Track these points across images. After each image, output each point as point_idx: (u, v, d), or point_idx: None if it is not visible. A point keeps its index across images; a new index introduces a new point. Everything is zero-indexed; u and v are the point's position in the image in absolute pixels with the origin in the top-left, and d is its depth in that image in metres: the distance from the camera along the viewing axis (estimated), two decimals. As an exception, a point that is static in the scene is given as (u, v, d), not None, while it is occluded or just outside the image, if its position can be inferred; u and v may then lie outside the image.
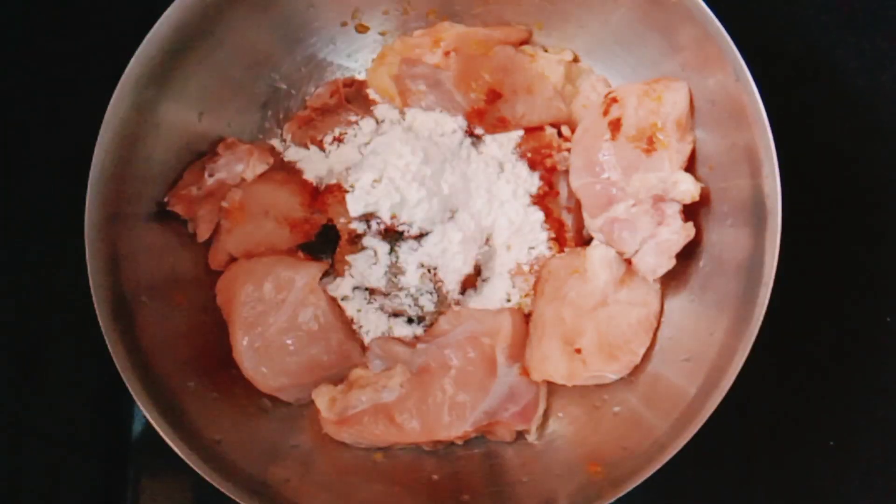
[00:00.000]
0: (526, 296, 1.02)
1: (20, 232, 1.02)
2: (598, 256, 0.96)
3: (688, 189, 0.93)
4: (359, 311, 1.01)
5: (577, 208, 1.01)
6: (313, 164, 1.06)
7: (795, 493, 1.05)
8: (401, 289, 1.01)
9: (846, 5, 1.12)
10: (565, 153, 1.03)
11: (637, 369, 0.97)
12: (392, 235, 1.01)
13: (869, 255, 1.07)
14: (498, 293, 1.01)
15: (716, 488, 1.06)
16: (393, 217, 0.99)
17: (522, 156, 1.03)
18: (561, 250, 1.02)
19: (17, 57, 1.04)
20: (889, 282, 1.07)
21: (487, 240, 1.01)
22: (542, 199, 1.02)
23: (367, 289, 1.02)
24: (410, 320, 1.02)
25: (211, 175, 1.02)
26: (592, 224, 0.99)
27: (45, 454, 1.02)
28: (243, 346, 0.97)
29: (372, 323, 1.01)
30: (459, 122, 1.03)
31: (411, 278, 1.00)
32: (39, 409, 1.02)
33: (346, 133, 1.06)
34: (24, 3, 1.02)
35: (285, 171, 1.06)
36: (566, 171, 1.02)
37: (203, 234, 1.03)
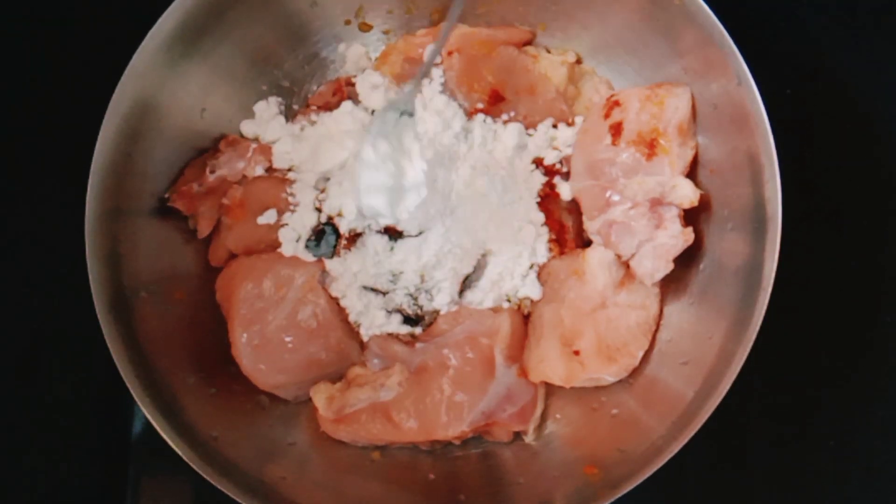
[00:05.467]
0: (525, 297, 1.02)
1: (20, 228, 1.03)
2: (597, 259, 0.96)
3: (686, 194, 0.93)
4: (358, 309, 1.01)
5: (577, 210, 1.01)
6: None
7: (795, 493, 1.05)
8: (400, 288, 1.01)
9: (846, 5, 1.12)
10: (567, 155, 1.03)
11: (635, 372, 0.97)
12: (392, 234, 1.01)
13: (869, 256, 1.07)
14: (497, 293, 1.01)
15: (713, 491, 1.06)
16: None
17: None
18: (561, 252, 1.02)
19: (19, 52, 1.04)
20: (889, 282, 1.07)
21: (488, 240, 1.01)
22: (543, 201, 1.02)
23: (366, 287, 1.01)
24: (409, 319, 1.02)
25: (212, 172, 1.03)
26: (591, 226, 0.99)
27: (46, 454, 1.02)
28: (242, 342, 0.97)
29: (371, 321, 1.01)
30: (461, 121, 1.03)
31: (411, 277, 1.00)
32: (39, 409, 1.02)
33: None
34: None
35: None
36: (567, 173, 1.02)
37: (204, 230, 1.03)
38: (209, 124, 1.04)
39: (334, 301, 1.00)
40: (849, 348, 1.06)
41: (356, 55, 1.09)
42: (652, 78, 1.00)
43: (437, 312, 1.01)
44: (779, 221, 0.84)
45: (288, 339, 0.97)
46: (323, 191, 1.03)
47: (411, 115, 0.93)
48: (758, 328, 0.83)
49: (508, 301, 1.01)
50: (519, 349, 0.99)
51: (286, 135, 1.05)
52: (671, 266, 0.95)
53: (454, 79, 1.03)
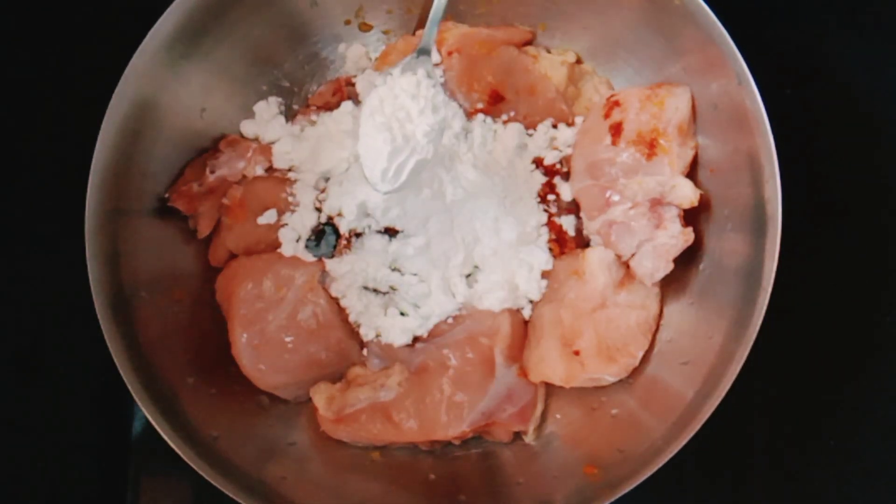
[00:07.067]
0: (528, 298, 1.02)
1: (20, 228, 1.03)
2: (597, 258, 0.96)
3: (686, 194, 0.93)
4: (358, 309, 1.01)
5: (577, 210, 1.01)
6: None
7: (795, 493, 1.05)
8: (400, 288, 1.01)
9: (846, 5, 1.12)
10: (567, 155, 1.03)
11: (635, 372, 0.97)
12: (392, 234, 1.01)
13: (869, 256, 1.07)
14: (497, 294, 1.01)
15: (713, 491, 1.06)
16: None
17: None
18: (561, 252, 1.02)
19: (19, 52, 1.04)
20: (889, 282, 1.07)
21: (487, 240, 1.01)
22: (543, 201, 1.02)
23: (366, 287, 1.02)
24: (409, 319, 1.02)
25: (212, 172, 1.03)
26: (590, 226, 0.99)
27: (46, 454, 1.02)
28: (242, 342, 0.97)
29: (371, 321, 1.01)
30: (461, 121, 1.03)
31: (410, 277, 1.00)
32: (39, 409, 1.02)
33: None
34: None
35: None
36: (567, 173, 1.02)
37: (203, 230, 1.03)
38: (209, 124, 1.04)
39: (334, 301, 1.00)
40: (849, 348, 1.06)
41: (356, 55, 1.09)
42: (652, 78, 1.01)
43: (436, 313, 1.01)
44: (779, 221, 0.84)
45: (288, 339, 0.97)
46: (323, 191, 1.03)
47: (428, 53, 0.93)
48: (758, 328, 0.83)
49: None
50: (519, 349, 0.99)
51: (286, 135, 1.05)
52: (671, 266, 0.95)
53: (454, 79, 1.03)
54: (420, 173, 0.90)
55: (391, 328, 1.00)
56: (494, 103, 1.03)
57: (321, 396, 0.99)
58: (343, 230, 1.02)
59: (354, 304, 1.01)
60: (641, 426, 0.92)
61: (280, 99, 1.08)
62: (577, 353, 0.94)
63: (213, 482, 0.87)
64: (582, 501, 0.87)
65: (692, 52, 0.93)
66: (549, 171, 1.03)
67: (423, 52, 0.93)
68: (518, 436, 1.00)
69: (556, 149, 1.04)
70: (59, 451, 1.04)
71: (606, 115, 0.98)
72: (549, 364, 0.95)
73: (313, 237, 1.02)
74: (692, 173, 0.97)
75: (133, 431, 1.08)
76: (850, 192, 1.08)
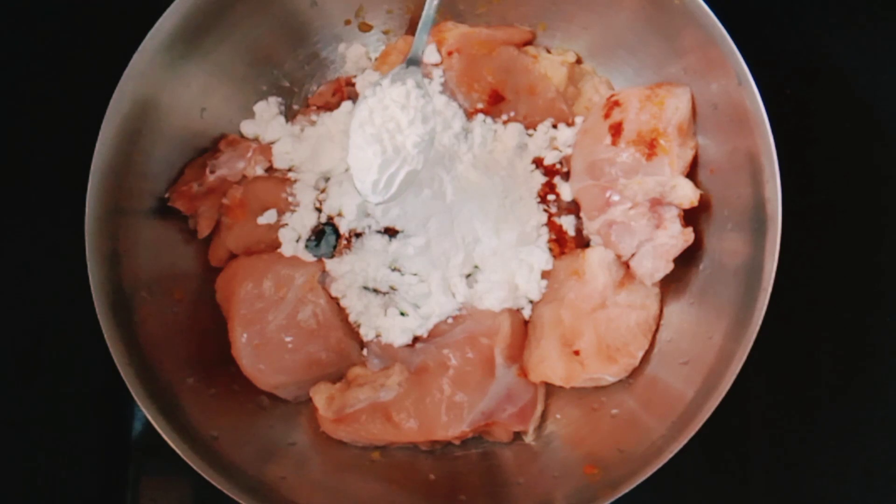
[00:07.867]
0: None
1: (20, 228, 1.03)
2: (597, 258, 0.96)
3: (686, 194, 0.93)
4: (358, 309, 1.01)
5: (577, 210, 1.01)
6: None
7: (795, 493, 1.05)
8: (400, 288, 1.01)
9: (846, 5, 1.12)
10: (567, 155, 1.03)
11: (635, 372, 0.97)
12: (392, 234, 1.01)
13: (869, 256, 1.07)
14: (497, 294, 1.01)
15: (713, 491, 1.06)
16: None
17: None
18: (561, 252, 1.02)
19: (19, 52, 1.04)
20: (889, 282, 1.07)
21: (487, 240, 1.01)
22: (543, 201, 1.02)
23: (366, 287, 1.02)
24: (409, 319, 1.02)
25: (212, 172, 1.03)
26: (590, 226, 0.99)
27: (46, 454, 1.02)
28: (242, 342, 0.97)
29: (371, 321, 1.01)
30: (461, 121, 1.03)
31: (410, 277, 1.00)
32: (39, 409, 1.02)
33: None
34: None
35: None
36: (567, 173, 1.02)
37: (203, 230, 1.03)
38: (209, 124, 1.04)
39: (334, 301, 1.00)
40: (849, 348, 1.06)
41: (356, 55, 1.09)
42: (652, 78, 1.01)
43: (436, 313, 1.01)
44: (779, 221, 0.84)
45: (288, 339, 0.97)
46: (323, 191, 1.03)
47: (417, 63, 0.93)
48: (758, 328, 0.83)
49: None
50: (519, 349, 0.99)
51: (286, 135, 1.05)
52: (671, 266, 0.95)
53: (454, 79, 1.03)
54: (411, 184, 0.90)
55: (391, 328, 1.00)
56: (494, 103, 1.03)
57: (321, 396, 0.99)
58: (343, 230, 1.02)
59: (354, 304, 1.01)
60: (641, 426, 0.92)
61: (280, 99, 1.08)
62: (577, 353, 0.94)
63: (213, 482, 0.87)
64: (582, 501, 0.87)
65: (692, 52, 0.94)
66: (549, 171, 1.03)
67: (413, 61, 0.92)
68: (518, 436, 1.00)
69: (556, 149, 1.04)
70: (59, 452, 1.04)
71: (606, 115, 0.98)
72: (549, 364, 0.95)
73: (313, 237, 1.02)
74: (692, 173, 0.97)
75: (133, 431, 1.08)
76: (850, 191, 1.08)
